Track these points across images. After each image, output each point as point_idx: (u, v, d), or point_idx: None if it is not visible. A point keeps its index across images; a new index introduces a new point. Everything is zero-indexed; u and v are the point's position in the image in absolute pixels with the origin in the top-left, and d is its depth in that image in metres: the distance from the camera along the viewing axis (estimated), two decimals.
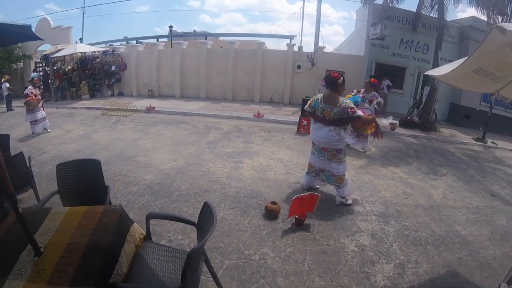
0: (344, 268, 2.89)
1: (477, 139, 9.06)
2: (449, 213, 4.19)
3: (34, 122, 7.85)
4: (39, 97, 8.25)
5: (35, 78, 8.36)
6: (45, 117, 8.21)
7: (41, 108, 8.12)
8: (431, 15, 11.27)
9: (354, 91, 7.04)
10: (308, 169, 4.37)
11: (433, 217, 4.02)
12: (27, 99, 7.83)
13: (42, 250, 1.86)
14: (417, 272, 2.90)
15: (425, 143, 8.36)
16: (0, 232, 2.03)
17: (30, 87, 8.15)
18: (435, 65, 9.47)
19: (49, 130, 8.19)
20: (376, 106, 6.63)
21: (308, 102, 4.09)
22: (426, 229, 3.70)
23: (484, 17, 10.13)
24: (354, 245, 3.26)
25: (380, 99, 6.76)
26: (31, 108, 7.84)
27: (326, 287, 2.65)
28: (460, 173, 5.92)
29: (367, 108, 6.15)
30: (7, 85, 12.26)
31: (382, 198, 4.49)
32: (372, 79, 7.20)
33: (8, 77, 13.06)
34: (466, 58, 2.36)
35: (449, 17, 11.87)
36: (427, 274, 2.89)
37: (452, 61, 3.18)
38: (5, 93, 12.39)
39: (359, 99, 5.64)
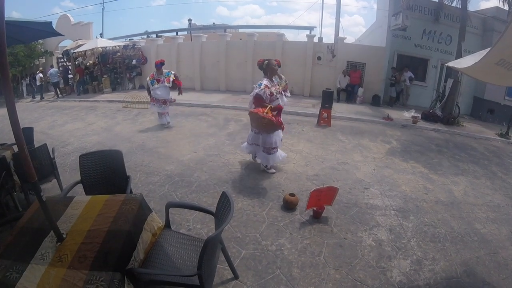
0: (360, 262, 2.91)
1: (501, 135, 8.76)
2: (469, 210, 4.12)
3: None
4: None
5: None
6: None
7: None
8: (453, 5, 10.90)
9: None
10: None
11: (453, 214, 3.97)
12: (255, 110, 4.10)
13: (64, 236, 1.93)
14: (434, 270, 2.89)
15: (447, 137, 8.17)
16: (24, 220, 2.12)
17: (264, 81, 4.42)
18: (459, 57, 9.14)
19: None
20: None
21: None
22: (445, 225, 3.66)
23: (506, 7, 9.73)
24: (371, 240, 3.27)
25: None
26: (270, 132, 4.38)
27: (341, 280, 2.68)
28: (482, 170, 5.78)
29: None
30: (41, 75, 13.56)
31: (401, 193, 4.45)
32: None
33: (41, 69, 14.52)
34: (488, 49, 2.28)
35: (472, 7, 11.41)
36: (443, 272, 2.87)
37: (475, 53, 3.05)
38: (38, 83, 13.71)
39: None
